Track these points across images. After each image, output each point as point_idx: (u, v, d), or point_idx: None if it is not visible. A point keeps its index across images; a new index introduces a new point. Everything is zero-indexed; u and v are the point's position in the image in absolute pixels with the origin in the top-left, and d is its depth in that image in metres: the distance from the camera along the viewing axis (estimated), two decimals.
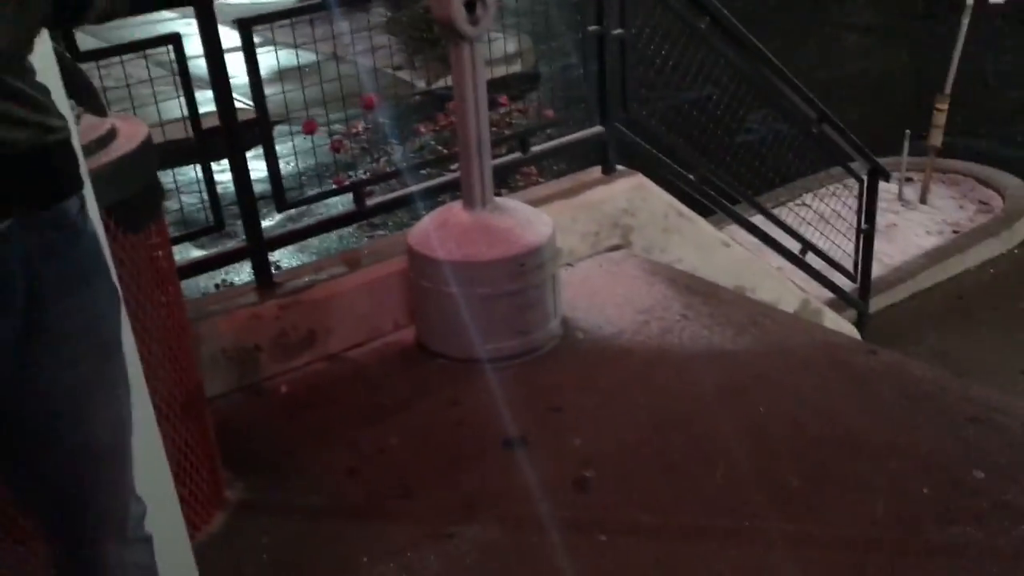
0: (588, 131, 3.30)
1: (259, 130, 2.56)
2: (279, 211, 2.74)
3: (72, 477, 1.19)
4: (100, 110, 1.87)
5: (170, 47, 2.32)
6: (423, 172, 3.09)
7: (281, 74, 2.94)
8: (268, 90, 2.59)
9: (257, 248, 2.63)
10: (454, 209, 2.71)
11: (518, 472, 2.19)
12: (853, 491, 2.03)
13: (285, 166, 2.86)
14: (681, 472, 2.14)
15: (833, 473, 2.10)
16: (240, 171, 2.51)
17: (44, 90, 1.09)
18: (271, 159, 2.59)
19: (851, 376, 2.49)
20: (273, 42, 2.95)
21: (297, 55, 2.79)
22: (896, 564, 1.83)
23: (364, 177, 2.95)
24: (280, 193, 2.63)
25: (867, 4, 12.97)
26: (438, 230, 2.65)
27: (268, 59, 2.73)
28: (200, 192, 2.53)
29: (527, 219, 2.70)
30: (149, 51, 2.31)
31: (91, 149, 1.70)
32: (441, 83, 6.63)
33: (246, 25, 2.49)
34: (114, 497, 1.25)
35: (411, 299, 2.77)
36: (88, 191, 1.22)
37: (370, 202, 2.88)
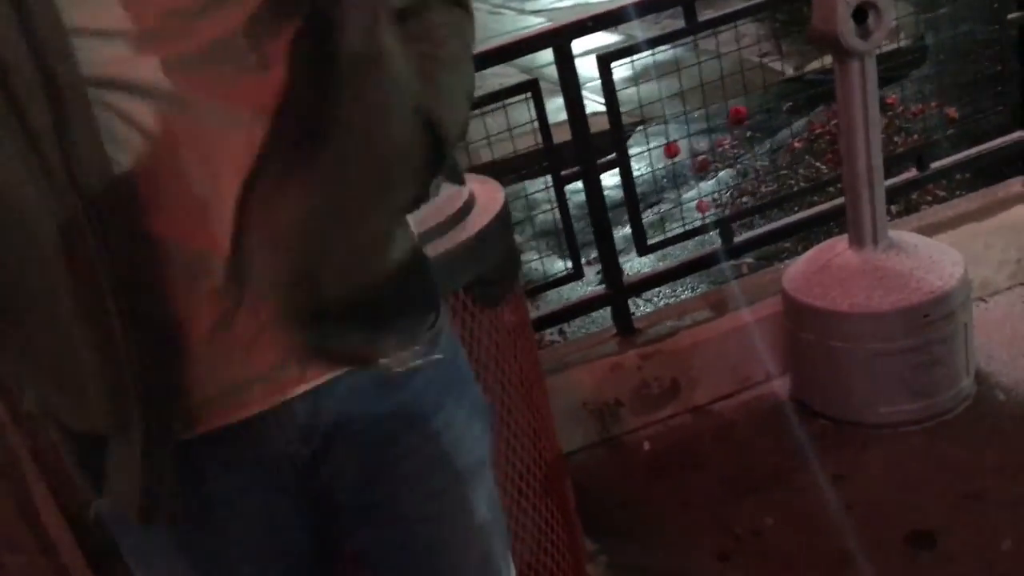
0: (1007, 137, 2.73)
1: (618, 169, 2.40)
2: (640, 255, 2.57)
3: None
4: (457, 175, 1.81)
5: (528, 94, 2.23)
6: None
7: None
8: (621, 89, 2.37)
9: (618, 293, 2.48)
10: (838, 248, 2.34)
11: None
12: None
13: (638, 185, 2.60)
14: None
15: None
16: (598, 214, 2.37)
17: None
18: (632, 204, 2.42)
19: None
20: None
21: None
22: None
23: (730, 211, 2.65)
24: (641, 236, 2.46)
25: None
26: (819, 273, 2.30)
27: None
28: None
29: (930, 258, 2.26)
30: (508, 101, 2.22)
31: (450, 223, 1.63)
32: (816, 64, 6.08)
33: (606, 61, 2.33)
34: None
35: (786, 347, 2.46)
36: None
37: (739, 238, 2.60)
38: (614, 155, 2.38)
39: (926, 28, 8.19)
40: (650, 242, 2.52)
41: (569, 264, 2.46)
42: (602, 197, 2.37)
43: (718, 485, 2.24)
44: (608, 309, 2.53)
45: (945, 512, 1.95)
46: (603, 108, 2.32)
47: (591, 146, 2.32)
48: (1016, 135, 2.72)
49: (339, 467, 0.91)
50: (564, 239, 2.41)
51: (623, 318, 2.51)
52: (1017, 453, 2.08)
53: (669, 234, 2.57)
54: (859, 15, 2.03)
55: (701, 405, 2.52)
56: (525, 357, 1.82)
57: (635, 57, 2.38)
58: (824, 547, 1.96)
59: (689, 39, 2.46)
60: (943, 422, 2.23)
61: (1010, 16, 2.56)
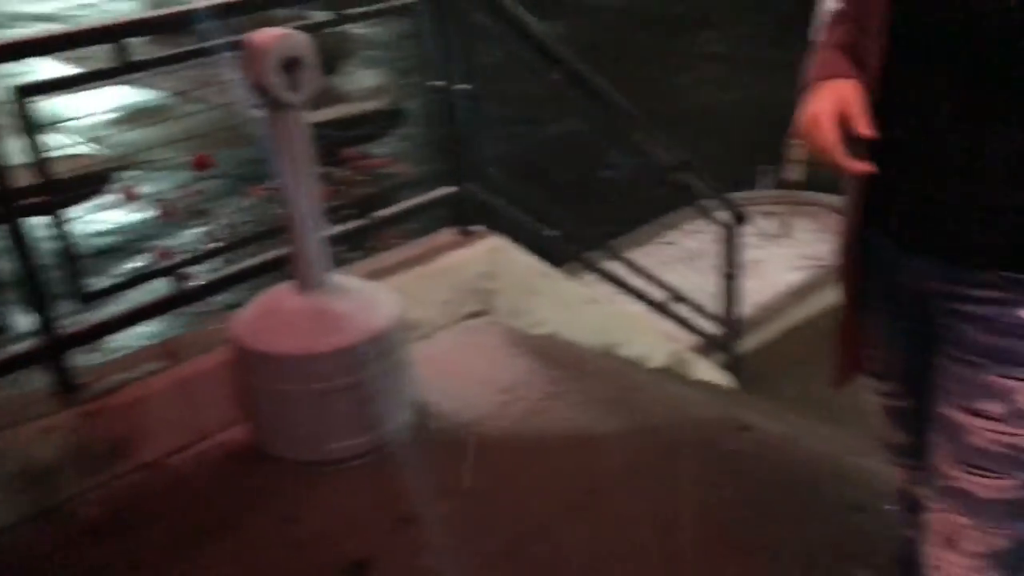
0: (441, 191, 3.05)
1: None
2: (83, 301, 2.37)
3: None
4: None
5: None
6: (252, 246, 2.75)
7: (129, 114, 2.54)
8: (105, 132, 2.23)
9: (51, 349, 2.25)
10: (283, 292, 2.40)
11: None
12: None
13: (98, 239, 2.46)
14: None
15: None
16: (23, 251, 2.14)
17: None
18: (67, 252, 2.23)
19: (723, 460, 2.32)
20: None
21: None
22: None
23: (184, 256, 2.58)
24: (75, 280, 2.27)
25: (722, 35, 13.33)
26: (265, 317, 2.34)
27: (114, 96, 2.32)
28: None
29: (369, 300, 2.43)
30: None
31: None
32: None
33: (27, 92, 2.13)
34: None
35: (240, 394, 2.44)
36: None
37: (193, 283, 2.54)
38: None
39: (404, 94, 8.95)
40: (93, 291, 2.34)
41: None
42: (24, 243, 2.15)
43: (167, 541, 2.14)
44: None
45: (380, 539, 2.08)
46: (80, 149, 2.14)
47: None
48: (450, 188, 3.06)
49: None
50: None
51: (61, 374, 2.29)
52: (446, 476, 2.30)
53: (114, 282, 2.42)
54: (288, 68, 2.12)
55: (153, 460, 2.39)
56: None
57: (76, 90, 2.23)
58: None
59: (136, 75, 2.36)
60: (386, 453, 2.39)
61: (435, 83, 2.88)
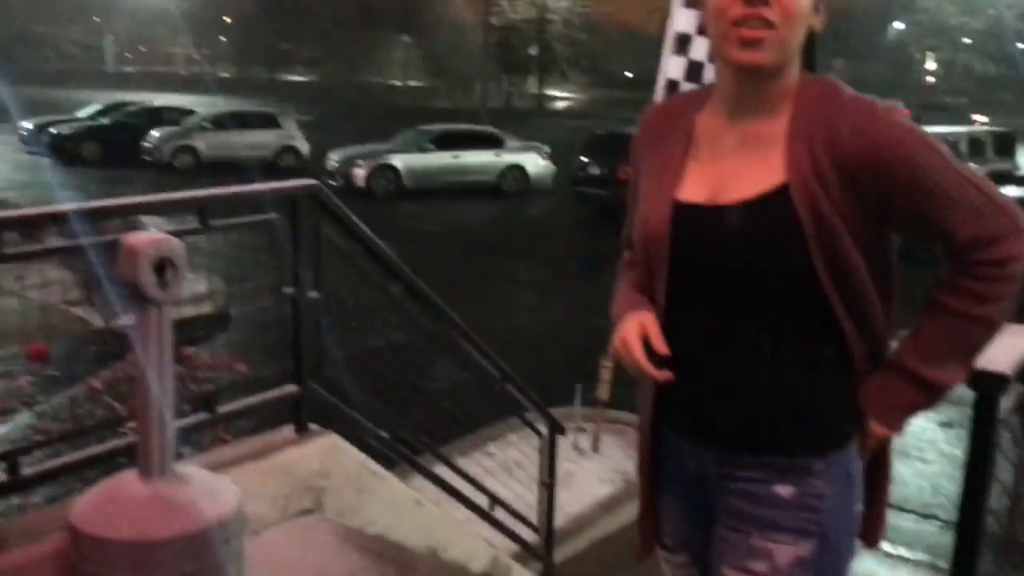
0: (281, 390, 3.23)
1: None
2: None
3: None
4: None
5: None
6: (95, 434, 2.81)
7: None
8: None
9: None
10: (127, 479, 2.46)
11: None
12: None
13: None
14: None
15: None
16: None
17: None
18: None
19: None
20: None
21: None
22: None
23: (22, 443, 2.59)
24: None
25: (535, 262, 14.46)
26: (107, 504, 2.38)
27: None
28: None
29: (210, 489, 2.52)
30: None
31: None
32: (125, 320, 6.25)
33: None
34: None
35: None
36: None
37: (29, 471, 2.55)
38: None
39: (232, 300, 9.12)
40: None
41: None
42: None
43: None
44: None
45: None
46: None
47: None
48: (290, 388, 3.24)
49: None
50: None
51: None
52: None
53: None
54: (159, 269, 2.33)
55: None
56: None
57: None
58: None
59: None
60: None
61: (284, 289, 3.14)
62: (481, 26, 46.59)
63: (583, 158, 18.40)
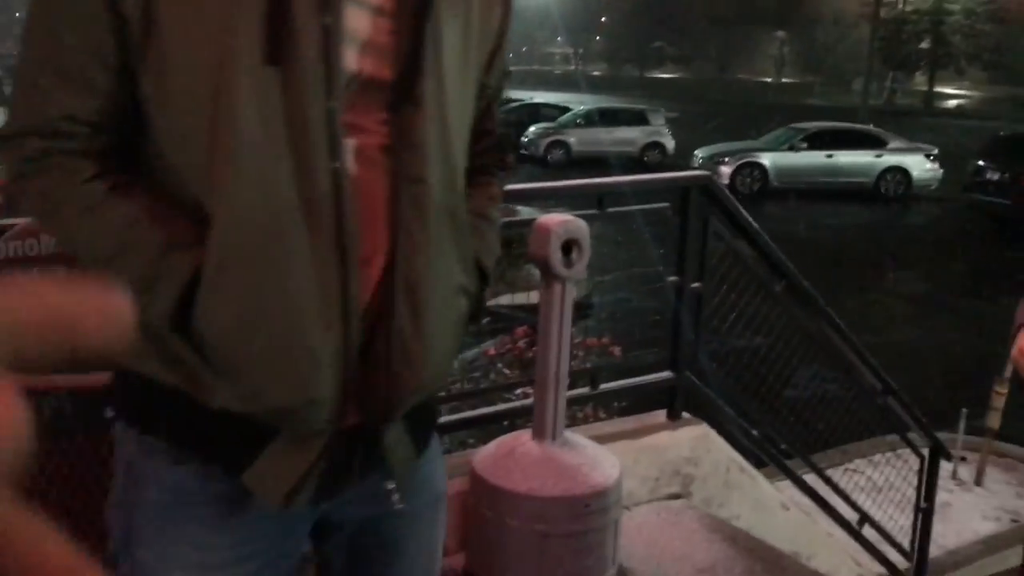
0: (658, 375, 3.32)
1: None
2: None
3: None
4: None
5: None
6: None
7: None
8: None
9: None
10: (523, 438, 2.69)
11: None
12: None
13: None
14: None
15: None
16: None
17: None
18: None
19: None
20: None
21: None
22: None
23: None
24: None
25: (915, 274, 13.29)
26: (505, 458, 2.61)
27: None
28: None
29: (595, 458, 2.67)
30: None
31: None
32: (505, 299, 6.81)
33: None
34: None
35: (467, 523, 2.70)
36: None
37: (444, 419, 2.88)
38: None
39: (594, 290, 9.51)
40: None
41: None
42: None
43: None
44: None
45: None
46: None
47: None
48: (665, 374, 3.32)
49: None
50: None
51: None
52: None
53: None
54: (566, 248, 2.50)
55: None
56: None
57: None
58: None
59: None
60: None
61: (670, 278, 3.21)
62: (866, 19, 43.72)
63: (980, 162, 16.61)
